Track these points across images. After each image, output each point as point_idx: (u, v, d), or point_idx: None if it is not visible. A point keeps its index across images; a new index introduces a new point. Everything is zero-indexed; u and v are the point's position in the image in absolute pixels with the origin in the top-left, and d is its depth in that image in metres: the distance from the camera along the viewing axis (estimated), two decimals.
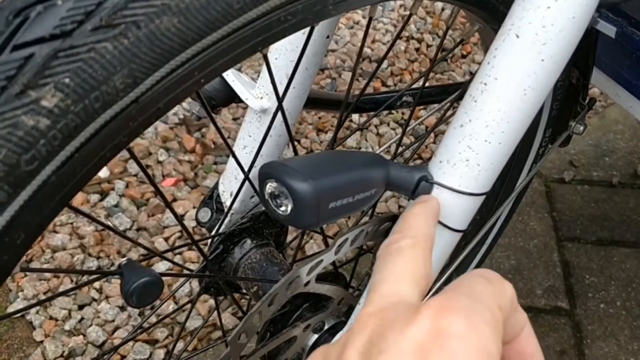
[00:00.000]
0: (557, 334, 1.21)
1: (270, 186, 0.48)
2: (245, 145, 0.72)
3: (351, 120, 1.63)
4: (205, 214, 0.77)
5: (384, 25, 1.90)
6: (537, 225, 1.40)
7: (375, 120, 1.63)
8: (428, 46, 1.86)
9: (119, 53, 0.35)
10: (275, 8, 0.42)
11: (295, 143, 1.57)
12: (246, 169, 0.66)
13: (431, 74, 1.79)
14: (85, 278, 1.25)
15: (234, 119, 1.60)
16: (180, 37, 0.38)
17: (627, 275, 1.30)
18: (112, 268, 1.29)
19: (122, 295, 0.50)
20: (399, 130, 1.63)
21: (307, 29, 0.52)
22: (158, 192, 0.52)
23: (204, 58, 0.40)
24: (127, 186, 1.44)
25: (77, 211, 0.47)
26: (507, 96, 0.50)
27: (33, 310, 1.23)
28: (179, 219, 0.54)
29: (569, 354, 1.18)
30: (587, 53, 0.76)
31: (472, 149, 0.52)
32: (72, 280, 1.28)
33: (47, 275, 1.29)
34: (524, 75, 0.50)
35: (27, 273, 1.28)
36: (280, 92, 0.59)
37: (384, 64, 1.80)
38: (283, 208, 0.48)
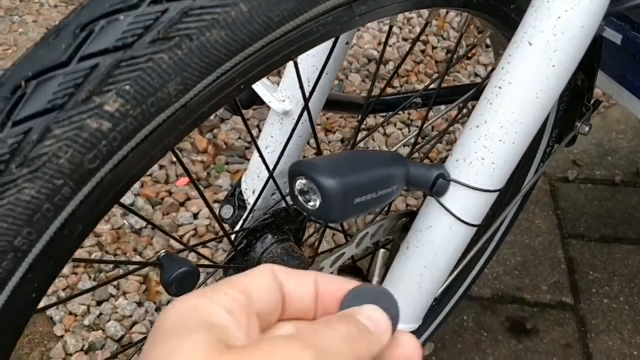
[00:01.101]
0: (562, 328, 1.25)
1: (300, 183, 0.52)
2: (267, 145, 0.76)
3: (358, 122, 1.66)
4: (228, 211, 0.80)
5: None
6: (542, 223, 1.44)
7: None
8: (433, 48, 1.89)
9: (173, 63, 0.39)
10: (309, 20, 0.45)
11: (306, 144, 1.60)
12: (271, 168, 0.70)
13: (437, 76, 1.82)
14: (121, 270, 1.28)
15: (247, 120, 1.63)
16: (226, 48, 0.41)
17: (630, 272, 1.34)
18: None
19: (162, 284, 0.54)
20: (406, 131, 1.66)
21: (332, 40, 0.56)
22: (192, 182, 0.55)
23: (244, 66, 0.44)
24: (142, 186, 1.48)
25: (126, 208, 0.50)
26: (521, 99, 0.54)
27: None
28: (213, 210, 0.57)
29: (574, 348, 1.21)
30: (593, 57, 0.80)
31: (488, 149, 0.56)
32: (90, 277, 1.32)
33: (66, 271, 1.32)
34: (536, 80, 0.53)
35: None
36: (306, 96, 0.62)
37: (390, 66, 1.83)
38: (312, 203, 0.52)
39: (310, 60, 0.69)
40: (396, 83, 1.79)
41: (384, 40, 1.89)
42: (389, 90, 1.80)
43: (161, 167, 1.52)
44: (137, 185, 1.47)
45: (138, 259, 1.36)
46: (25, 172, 0.38)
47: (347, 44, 0.69)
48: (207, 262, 1.02)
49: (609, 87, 0.93)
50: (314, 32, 0.47)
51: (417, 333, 1.03)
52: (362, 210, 0.53)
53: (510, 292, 1.30)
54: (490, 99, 0.55)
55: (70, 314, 1.27)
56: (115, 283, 1.31)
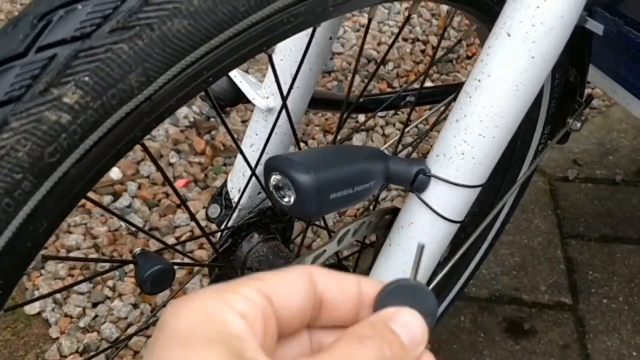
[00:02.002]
0: (560, 328, 1.23)
1: (275, 178, 0.51)
2: (252, 143, 0.75)
3: (357, 121, 1.65)
4: (215, 210, 0.80)
5: (389, 27, 1.93)
6: (541, 222, 1.42)
7: (381, 121, 1.66)
8: (434, 48, 1.88)
9: (134, 53, 0.39)
10: (278, 10, 0.45)
11: (302, 144, 1.60)
12: (253, 165, 0.69)
13: (437, 75, 1.81)
14: (117, 272, 1.28)
15: (243, 122, 1.63)
16: (189, 39, 0.41)
17: (630, 271, 1.32)
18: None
19: (136, 282, 0.53)
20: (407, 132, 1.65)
21: (310, 30, 0.55)
22: (172, 188, 0.55)
23: (212, 58, 0.43)
24: (139, 187, 1.47)
25: (93, 202, 0.50)
26: (500, 92, 0.53)
27: (49, 308, 1.26)
28: (191, 211, 0.57)
29: (572, 348, 1.20)
30: (583, 51, 0.79)
31: (467, 143, 0.55)
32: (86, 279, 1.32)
33: (62, 274, 1.32)
34: (516, 72, 0.52)
35: (42, 272, 1.32)
36: (285, 92, 0.62)
37: (390, 66, 1.83)
38: (286, 199, 0.51)
39: (294, 56, 0.68)
40: (395, 83, 1.78)
41: (383, 40, 1.88)
42: (389, 91, 1.79)
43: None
44: (134, 187, 1.46)
45: None
46: None
47: (331, 38, 0.68)
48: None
49: (603, 83, 0.92)
50: (285, 23, 0.46)
51: None
52: (339, 206, 0.53)
53: (507, 292, 1.29)
54: (469, 92, 0.54)
55: (66, 315, 1.26)
56: (110, 284, 1.31)
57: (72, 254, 1.34)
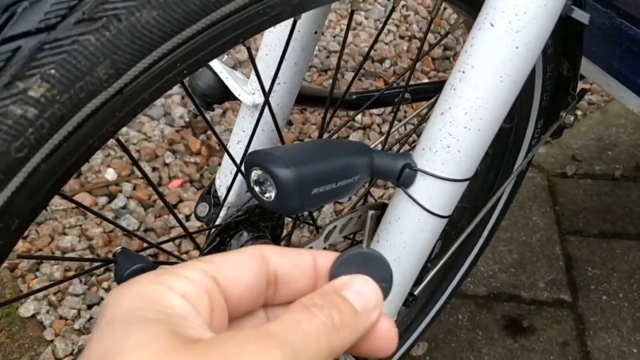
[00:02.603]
0: (559, 326, 1.22)
1: (255, 173, 0.50)
2: (239, 140, 0.74)
3: (354, 120, 1.64)
4: (204, 209, 0.79)
5: (386, 25, 1.91)
6: (539, 219, 1.41)
7: (379, 119, 1.65)
8: (430, 45, 1.87)
9: (101, 45, 0.38)
10: (253, 2, 0.44)
11: (297, 142, 1.59)
12: (238, 162, 0.68)
13: (433, 72, 1.80)
14: (112, 272, 1.27)
15: None
16: (160, 30, 0.40)
17: (630, 267, 1.31)
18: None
19: (116, 281, 0.52)
20: (402, 130, 1.64)
21: (290, 24, 0.54)
22: (153, 187, 0.54)
23: (185, 50, 0.42)
24: (134, 188, 1.47)
25: (67, 199, 0.49)
26: (484, 83, 0.52)
27: (43, 310, 1.26)
28: (169, 206, 0.56)
29: (571, 346, 1.19)
30: (574, 43, 0.78)
31: (453, 136, 0.54)
32: (81, 281, 1.31)
33: (57, 275, 1.31)
34: (500, 62, 0.51)
35: (37, 275, 1.31)
36: (267, 88, 0.61)
37: (387, 64, 1.81)
38: (268, 194, 0.50)
39: (278, 51, 0.67)
40: (392, 80, 1.77)
41: (380, 38, 1.87)
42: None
43: (154, 169, 1.51)
44: (129, 188, 1.46)
45: None
46: None
47: (316, 32, 0.67)
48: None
49: (597, 76, 0.90)
50: (261, 14, 0.45)
51: (407, 331, 1.01)
52: (321, 201, 0.52)
53: (506, 290, 1.28)
54: (453, 84, 0.53)
55: (61, 317, 1.26)
56: (105, 286, 1.30)
57: (67, 256, 1.33)
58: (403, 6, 1.98)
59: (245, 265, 0.30)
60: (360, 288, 0.30)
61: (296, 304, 0.29)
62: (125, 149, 0.50)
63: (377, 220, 0.66)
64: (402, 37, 1.91)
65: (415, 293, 0.69)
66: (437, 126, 0.54)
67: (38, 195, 0.41)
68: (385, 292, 0.31)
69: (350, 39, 1.87)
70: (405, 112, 1.68)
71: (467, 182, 0.57)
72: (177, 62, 0.43)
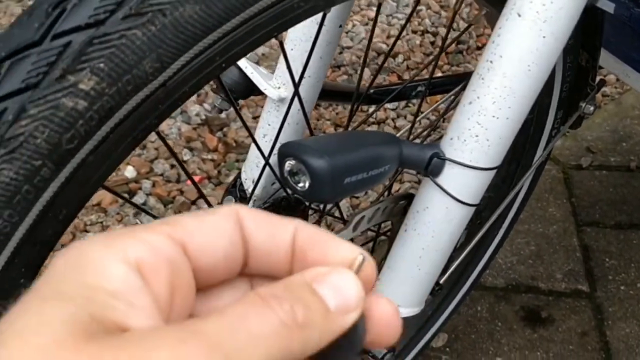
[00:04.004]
0: (578, 316, 1.23)
1: (289, 164, 0.51)
2: (265, 134, 0.75)
3: (368, 114, 1.65)
4: (229, 202, 0.80)
5: (398, 20, 1.92)
6: (556, 211, 1.42)
7: (393, 114, 1.66)
8: (443, 39, 1.88)
9: (147, 39, 0.39)
10: None
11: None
12: (267, 155, 0.70)
13: (447, 66, 1.81)
14: None
15: (254, 118, 1.64)
16: (201, 24, 0.41)
17: None
18: None
19: None
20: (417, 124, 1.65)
21: (320, 17, 0.55)
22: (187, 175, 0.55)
23: (224, 44, 0.44)
24: (153, 185, 1.48)
25: (109, 190, 0.50)
26: (512, 72, 0.53)
27: None
28: (200, 190, 0.57)
29: (590, 336, 1.19)
30: (594, 34, 0.78)
31: (481, 125, 0.55)
32: None
33: None
34: (527, 52, 0.52)
35: None
36: (297, 80, 0.62)
37: (400, 58, 1.82)
38: (301, 184, 0.51)
39: (304, 45, 0.68)
40: (406, 75, 1.78)
41: (392, 33, 1.88)
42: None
43: (172, 166, 1.52)
44: (148, 185, 1.47)
45: None
46: (2, 152, 0.38)
47: (341, 26, 0.68)
48: None
49: (615, 67, 0.91)
50: (296, 8, 0.46)
51: (428, 323, 1.02)
52: (353, 190, 0.53)
53: (524, 281, 1.29)
54: (481, 74, 0.54)
55: None
56: None
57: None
58: (415, 1, 1.99)
59: (221, 228, 0.25)
60: (338, 283, 0.24)
61: (252, 293, 0.23)
62: (165, 142, 0.51)
63: (404, 211, 0.67)
64: (414, 32, 1.91)
65: (441, 282, 0.70)
66: (466, 115, 0.56)
67: (85, 186, 0.43)
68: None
69: (362, 34, 1.88)
70: (413, 105, 1.69)
71: (494, 171, 0.58)
72: (217, 56, 0.44)
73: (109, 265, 0.22)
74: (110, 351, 0.20)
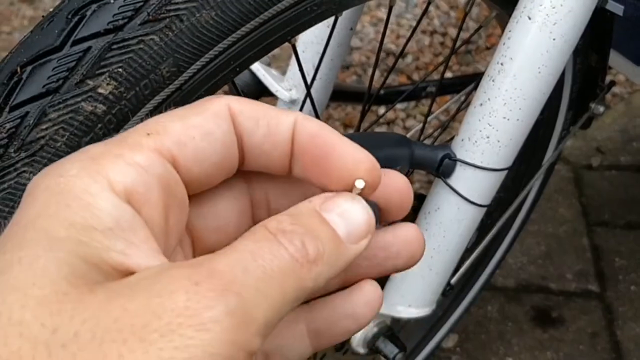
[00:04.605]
0: (588, 316, 1.23)
1: None
2: None
3: (377, 114, 1.66)
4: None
5: (407, 21, 1.93)
6: (566, 211, 1.42)
7: (402, 114, 1.66)
8: (452, 40, 1.88)
9: (164, 44, 0.40)
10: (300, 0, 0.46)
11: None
12: None
13: (456, 66, 1.81)
14: None
15: None
16: (217, 29, 0.42)
17: None
18: None
19: None
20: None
21: (332, 20, 0.56)
22: None
23: (238, 48, 0.44)
24: None
25: None
26: (523, 74, 0.54)
27: None
28: None
29: (601, 336, 1.19)
30: (603, 35, 0.79)
31: (492, 126, 0.56)
32: None
33: None
34: (537, 54, 0.53)
35: None
36: (309, 81, 0.63)
37: (409, 59, 1.83)
38: None
39: (315, 47, 0.69)
40: (415, 76, 1.78)
41: (401, 33, 1.88)
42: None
43: None
44: None
45: None
46: (24, 155, 0.39)
47: (352, 29, 0.69)
48: None
49: (624, 66, 0.91)
50: (309, 12, 0.47)
51: (439, 323, 1.03)
52: None
53: (534, 281, 1.29)
54: (492, 76, 0.55)
55: None
56: None
57: None
58: (424, 1, 1.99)
59: (212, 132, 0.23)
60: (347, 208, 0.23)
61: (258, 228, 0.21)
62: None
63: (415, 211, 0.67)
64: (423, 32, 1.92)
65: (452, 282, 0.71)
66: (477, 117, 0.56)
67: None
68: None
69: (371, 35, 1.88)
70: (422, 105, 1.70)
71: (505, 172, 0.59)
72: (231, 60, 0.45)
73: (97, 198, 0.20)
74: (118, 300, 0.18)
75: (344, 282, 0.26)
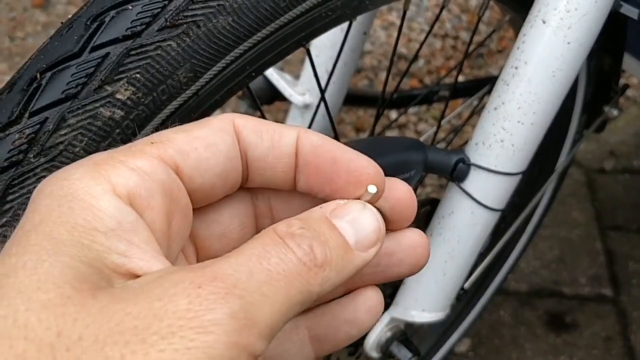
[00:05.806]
0: (602, 321, 1.22)
1: None
2: None
3: (389, 118, 1.66)
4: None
5: (418, 24, 1.93)
6: (579, 215, 1.41)
7: (414, 118, 1.66)
8: (464, 43, 1.88)
9: (182, 50, 0.40)
10: (316, 5, 0.46)
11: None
12: None
13: (468, 70, 1.81)
14: None
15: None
16: (233, 35, 0.42)
17: None
18: None
19: None
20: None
21: (346, 25, 0.56)
22: None
23: (254, 53, 0.45)
24: None
25: None
26: (537, 78, 0.54)
27: None
28: None
29: (614, 340, 1.19)
30: (617, 38, 0.78)
31: (506, 130, 0.56)
32: None
33: None
34: (552, 58, 0.53)
35: None
36: (323, 85, 0.63)
37: (420, 62, 1.83)
38: None
39: (328, 52, 0.69)
40: (426, 79, 1.78)
41: (413, 37, 1.88)
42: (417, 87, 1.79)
43: None
44: None
45: None
46: (43, 161, 0.39)
47: (365, 33, 0.69)
48: None
49: (639, 70, 0.91)
50: (323, 17, 0.47)
51: (452, 327, 1.02)
52: None
53: (547, 286, 1.28)
54: (506, 80, 0.55)
55: None
56: None
57: None
58: (436, 5, 1.99)
59: (215, 144, 0.23)
60: (357, 216, 0.23)
61: (267, 231, 0.22)
62: None
63: (428, 216, 0.67)
64: (435, 36, 1.92)
65: (466, 287, 0.71)
66: (491, 121, 0.56)
67: None
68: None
69: (383, 38, 1.89)
70: (435, 108, 1.69)
71: (520, 176, 0.58)
72: (247, 65, 0.45)
73: (99, 200, 0.20)
74: (120, 304, 0.18)
75: (346, 289, 0.26)
